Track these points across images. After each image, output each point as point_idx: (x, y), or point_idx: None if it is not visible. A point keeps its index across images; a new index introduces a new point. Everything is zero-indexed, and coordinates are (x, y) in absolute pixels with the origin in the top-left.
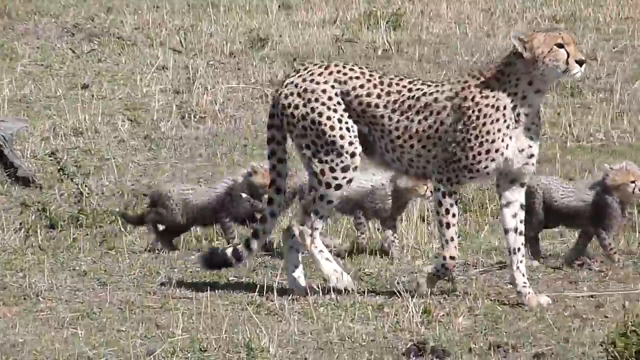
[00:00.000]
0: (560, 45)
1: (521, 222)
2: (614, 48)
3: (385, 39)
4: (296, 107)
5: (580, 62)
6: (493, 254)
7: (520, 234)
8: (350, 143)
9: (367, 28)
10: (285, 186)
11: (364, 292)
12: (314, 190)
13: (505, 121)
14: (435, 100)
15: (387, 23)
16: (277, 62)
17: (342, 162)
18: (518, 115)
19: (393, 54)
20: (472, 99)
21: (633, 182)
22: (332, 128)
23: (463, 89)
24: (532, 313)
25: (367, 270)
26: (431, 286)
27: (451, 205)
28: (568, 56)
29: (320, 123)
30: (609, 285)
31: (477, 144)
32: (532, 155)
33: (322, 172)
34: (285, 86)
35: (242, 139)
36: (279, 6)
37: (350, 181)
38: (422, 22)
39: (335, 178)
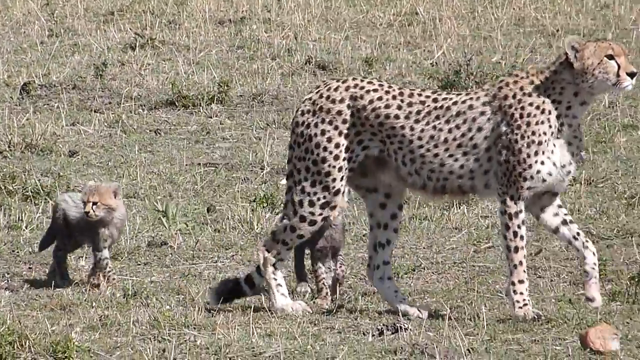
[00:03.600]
0: (611, 57)
1: (565, 214)
2: None
3: None
4: (307, 125)
5: (631, 75)
6: None
7: (571, 222)
8: (342, 178)
9: None
10: None
11: None
12: (287, 218)
13: (550, 126)
14: (470, 107)
15: None
16: None
17: (324, 197)
18: (561, 124)
19: None
20: (514, 97)
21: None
22: (336, 158)
23: (501, 88)
24: None
25: None
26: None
27: (519, 227)
28: (619, 68)
29: (325, 149)
30: None
31: (525, 145)
32: (569, 173)
33: (301, 203)
34: (304, 102)
35: None
36: None
37: (325, 218)
38: None
39: (312, 213)
